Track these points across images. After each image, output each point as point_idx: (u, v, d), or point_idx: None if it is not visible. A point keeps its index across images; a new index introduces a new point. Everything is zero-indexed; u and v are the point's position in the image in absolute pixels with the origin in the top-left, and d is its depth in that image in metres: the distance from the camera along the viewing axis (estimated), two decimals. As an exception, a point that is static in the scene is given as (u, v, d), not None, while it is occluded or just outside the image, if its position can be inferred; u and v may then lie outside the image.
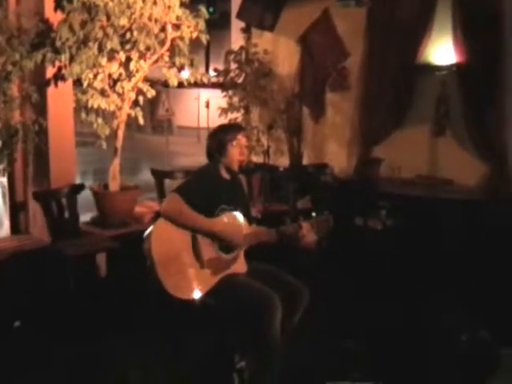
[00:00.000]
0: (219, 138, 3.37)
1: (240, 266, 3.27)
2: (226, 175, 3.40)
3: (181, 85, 5.62)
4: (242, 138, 3.37)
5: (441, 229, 5.39)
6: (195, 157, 12.91)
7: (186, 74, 5.68)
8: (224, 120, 7.09)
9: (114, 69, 4.95)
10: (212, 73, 7.76)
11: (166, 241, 3.07)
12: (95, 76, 4.91)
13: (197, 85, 5.80)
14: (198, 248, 3.11)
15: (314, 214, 3.50)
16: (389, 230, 5.36)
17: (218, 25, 5.21)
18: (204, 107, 16.69)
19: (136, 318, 4.22)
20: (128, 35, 4.94)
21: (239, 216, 3.32)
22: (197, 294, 3.06)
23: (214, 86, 8.12)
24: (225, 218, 3.23)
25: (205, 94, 16.64)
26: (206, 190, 3.20)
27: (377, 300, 4.54)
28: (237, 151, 3.35)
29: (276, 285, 3.18)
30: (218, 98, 16.43)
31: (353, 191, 5.99)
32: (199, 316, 3.20)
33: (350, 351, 3.78)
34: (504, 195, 5.72)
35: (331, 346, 3.85)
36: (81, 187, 4.88)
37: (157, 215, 5.51)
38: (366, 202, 5.63)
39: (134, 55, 5.03)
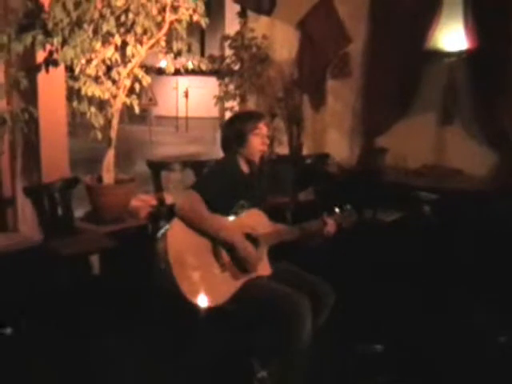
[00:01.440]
0: (238, 128, 3.06)
1: (264, 268, 2.97)
2: (245, 168, 3.10)
3: (159, 72, 5.32)
4: (263, 127, 3.07)
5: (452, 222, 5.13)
6: (175, 146, 12.83)
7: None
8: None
9: (110, 54, 4.61)
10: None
11: (183, 241, 2.77)
12: (88, 61, 4.56)
13: (176, 73, 5.47)
14: (218, 249, 2.82)
15: (337, 210, 3.23)
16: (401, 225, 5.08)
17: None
18: (183, 97, 16.39)
19: (138, 322, 3.91)
20: (123, 17, 4.61)
21: (261, 214, 3.04)
22: (218, 301, 2.76)
23: (194, 73, 7.74)
24: (245, 217, 2.94)
25: (183, 82, 16.32)
26: (225, 185, 2.90)
27: (396, 299, 4.28)
28: (258, 141, 3.05)
29: (301, 286, 2.93)
30: (196, 88, 16.37)
31: (360, 182, 5.71)
32: (214, 322, 2.91)
33: (375, 355, 3.54)
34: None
35: (354, 349, 3.58)
36: (75, 181, 4.53)
37: (155, 210, 5.30)
38: (374, 194, 5.34)
39: (130, 39, 4.69)
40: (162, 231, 2.79)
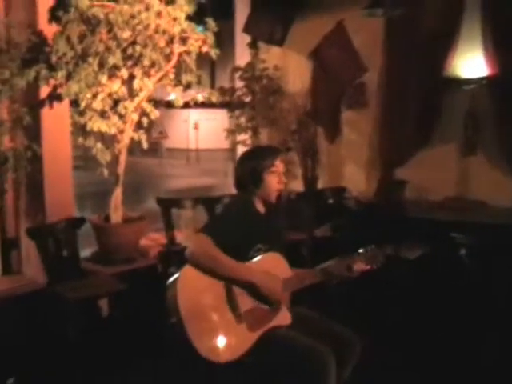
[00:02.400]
0: (253, 166, 2.82)
1: (283, 318, 2.72)
2: (261, 208, 2.86)
3: (168, 105, 5.16)
4: (280, 164, 2.84)
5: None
6: (187, 179, 12.83)
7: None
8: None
9: (116, 87, 4.42)
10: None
11: (195, 290, 2.53)
12: (94, 96, 4.39)
13: (186, 105, 5.31)
14: (233, 298, 2.57)
15: (361, 251, 2.96)
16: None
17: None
18: (193, 129, 16.46)
19: (149, 369, 3.66)
20: (130, 50, 4.44)
21: (279, 257, 2.79)
22: (234, 355, 2.50)
23: (204, 106, 7.59)
24: (260, 263, 2.69)
25: (194, 115, 16.40)
26: (240, 228, 2.66)
27: (422, 341, 3.99)
28: (275, 180, 2.82)
29: (323, 335, 2.67)
30: (207, 120, 16.37)
31: (379, 217, 5.44)
32: (230, 375, 2.65)
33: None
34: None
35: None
36: (81, 221, 4.31)
37: (165, 249, 5.08)
38: (395, 229, 5.06)
39: (138, 72, 4.52)
40: (172, 279, 2.55)
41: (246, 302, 2.60)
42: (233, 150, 8.07)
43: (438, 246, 4.35)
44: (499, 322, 4.05)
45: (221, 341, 2.48)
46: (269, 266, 2.71)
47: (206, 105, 5.64)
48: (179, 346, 2.54)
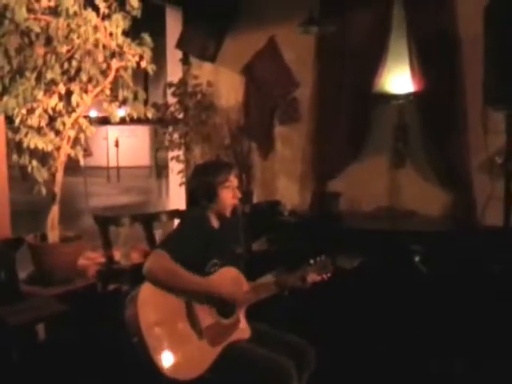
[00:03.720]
0: (207, 181, 2.85)
1: (243, 332, 2.76)
2: (215, 223, 2.89)
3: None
4: (234, 179, 2.89)
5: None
6: (109, 197, 12.65)
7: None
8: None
9: (53, 103, 4.32)
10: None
11: (155, 308, 2.51)
12: (29, 111, 4.27)
13: (105, 122, 5.27)
14: (193, 314, 2.58)
15: (312, 262, 3.04)
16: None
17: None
18: (113, 146, 16.26)
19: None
20: (67, 65, 4.37)
21: (235, 272, 2.83)
22: (198, 372, 2.50)
23: (123, 123, 7.52)
24: (220, 276, 2.72)
25: (112, 132, 16.20)
26: (196, 243, 2.67)
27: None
28: (229, 195, 2.86)
29: (280, 347, 2.73)
30: (126, 137, 16.15)
31: (314, 228, 5.56)
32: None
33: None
34: (469, 224, 5.46)
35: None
36: (19, 242, 4.17)
37: (104, 268, 4.98)
38: (332, 240, 5.18)
39: (75, 87, 4.44)
40: (131, 297, 2.52)
41: (206, 317, 2.61)
42: (165, 166, 8.02)
43: (393, 254, 4.49)
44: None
45: (183, 358, 2.48)
46: (226, 280, 2.73)
47: (125, 121, 5.62)
48: (141, 365, 2.51)
